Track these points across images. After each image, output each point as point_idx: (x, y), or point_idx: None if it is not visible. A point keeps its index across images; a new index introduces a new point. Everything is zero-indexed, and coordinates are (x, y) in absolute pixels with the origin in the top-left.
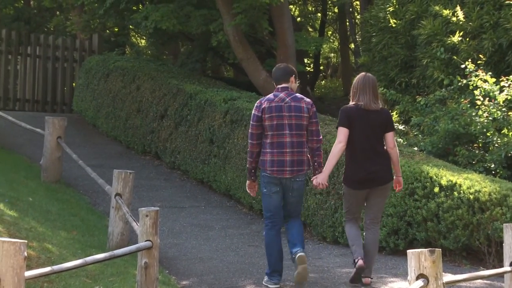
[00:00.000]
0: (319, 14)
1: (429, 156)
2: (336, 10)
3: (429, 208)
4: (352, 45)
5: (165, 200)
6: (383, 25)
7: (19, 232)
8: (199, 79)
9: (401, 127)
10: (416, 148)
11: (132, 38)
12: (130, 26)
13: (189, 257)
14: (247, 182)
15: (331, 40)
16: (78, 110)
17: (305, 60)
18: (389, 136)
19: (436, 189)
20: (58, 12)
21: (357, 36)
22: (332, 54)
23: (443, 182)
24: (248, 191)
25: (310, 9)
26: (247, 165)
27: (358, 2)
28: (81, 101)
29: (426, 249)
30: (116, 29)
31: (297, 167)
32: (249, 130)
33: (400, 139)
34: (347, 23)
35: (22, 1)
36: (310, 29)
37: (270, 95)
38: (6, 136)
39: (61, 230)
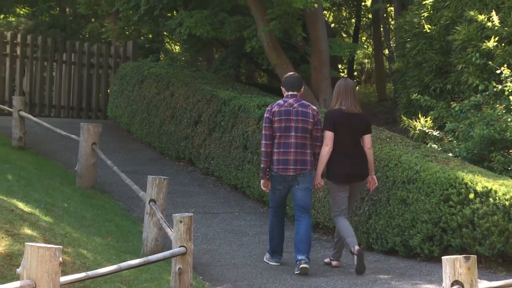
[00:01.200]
0: (353, 20)
1: (464, 162)
2: (370, 16)
3: (464, 214)
4: (386, 51)
5: (199, 206)
6: (417, 30)
7: (54, 237)
8: (233, 85)
9: (435, 133)
10: (451, 154)
11: (166, 44)
12: (165, 33)
13: (223, 263)
14: (262, 181)
15: (365, 46)
16: (113, 116)
17: (339, 66)
18: (367, 138)
19: (471, 195)
20: (93, 19)
21: (391, 42)
22: (366, 60)
23: (478, 188)
24: (263, 188)
25: (344, 15)
26: (262, 165)
27: (392, 8)
28: (115, 108)
29: (461, 256)
30: (150, 36)
31: (300, 165)
32: (263, 132)
33: (435, 145)
34: (381, 29)
35: (57, 9)
36: (344, 35)
37: (280, 101)
38: (42, 143)
39: (96, 236)
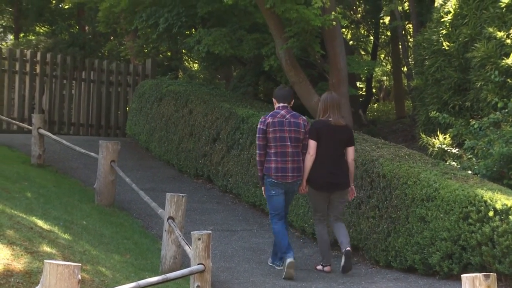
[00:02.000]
0: (371, 37)
1: (484, 180)
2: (388, 33)
3: (484, 232)
4: (405, 68)
5: (218, 224)
6: (436, 48)
7: (73, 255)
8: (251, 102)
9: (454, 150)
10: (470, 172)
11: (185, 62)
12: (183, 50)
13: (242, 280)
14: (263, 188)
15: (384, 63)
16: (132, 134)
17: (358, 83)
18: (350, 150)
19: (491, 213)
20: (112, 37)
21: (409, 59)
22: (385, 77)
23: (498, 206)
24: (264, 194)
25: (362, 32)
26: (259, 173)
27: (410, 25)
28: (134, 125)
29: (481, 274)
30: (169, 54)
31: (297, 173)
32: (257, 142)
33: (454, 163)
34: (400, 46)
35: (77, 27)
36: (362, 52)
37: (273, 112)
38: (61, 160)
39: (115, 253)
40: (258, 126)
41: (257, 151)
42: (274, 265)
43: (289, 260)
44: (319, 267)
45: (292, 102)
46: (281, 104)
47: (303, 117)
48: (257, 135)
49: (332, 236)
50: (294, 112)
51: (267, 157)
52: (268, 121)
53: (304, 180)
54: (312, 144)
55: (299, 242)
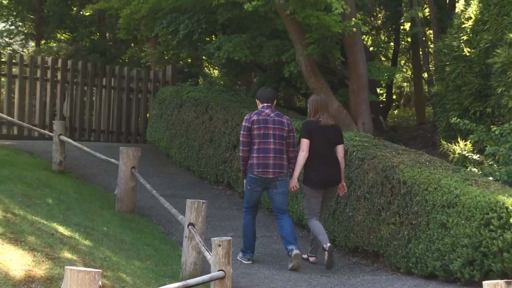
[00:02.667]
0: (392, 44)
1: (505, 186)
2: (409, 39)
3: (505, 239)
4: (426, 74)
5: (238, 230)
6: (457, 54)
7: (94, 261)
8: None
9: (475, 156)
10: (491, 178)
11: (205, 68)
12: (203, 57)
13: (262, 287)
14: (245, 180)
15: (404, 70)
16: (152, 140)
17: (378, 90)
18: (340, 147)
19: None
20: (133, 44)
21: (430, 65)
22: (405, 84)
23: None
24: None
25: (383, 38)
26: (242, 168)
27: (431, 31)
28: (154, 132)
29: (502, 281)
30: (189, 60)
31: (278, 169)
32: (240, 139)
33: (475, 169)
34: (420, 52)
35: (98, 34)
36: (383, 59)
37: (257, 111)
38: (82, 167)
39: (135, 259)
40: (243, 124)
41: (241, 147)
42: (242, 259)
43: (295, 252)
44: (305, 256)
45: (275, 102)
46: (265, 104)
47: (287, 116)
48: (241, 132)
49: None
50: (277, 112)
51: (251, 153)
52: (253, 118)
53: (296, 177)
54: (305, 142)
55: (319, 249)
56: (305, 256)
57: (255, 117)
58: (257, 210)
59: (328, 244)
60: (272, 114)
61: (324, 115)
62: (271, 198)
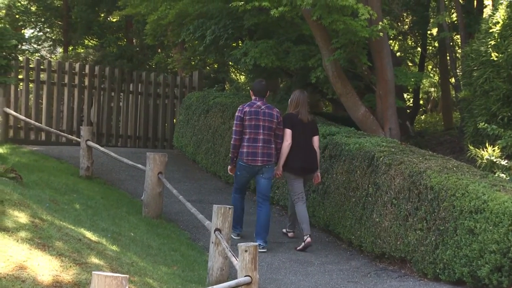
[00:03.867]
0: (419, 49)
1: None
2: (436, 44)
3: None
4: (453, 79)
5: None
6: (484, 59)
7: (121, 266)
8: None
9: (503, 162)
10: None
11: (232, 74)
12: (230, 63)
13: None
14: (229, 167)
15: (431, 75)
16: (179, 146)
17: (405, 95)
18: (316, 138)
19: None
20: (159, 50)
21: (457, 70)
22: (432, 89)
23: None
24: (230, 172)
25: (409, 43)
26: (231, 155)
27: (458, 36)
28: (181, 137)
29: None
30: (216, 66)
31: (266, 158)
32: (233, 128)
33: (503, 175)
34: (448, 57)
35: (125, 40)
36: (410, 64)
37: (250, 102)
38: (109, 172)
39: (162, 265)
40: (236, 114)
41: (233, 136)
42: (232, 234)
43: (260, 250)
44: (284, 230)
45: (268, 94)
46: (257, 97)
47: (277, 109)
48: (234, 121)
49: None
50: (268, 104)
51: (242, 142)
52: (245, 109)
53: (281, 164)
54: (288, 132)
55: (346, 255)
56: (284, 230)
57: (247, 109)
58: (245, 192)
59: (308, 239)
60: (263, 107)
61: (303, 110)
62: (257, 183)
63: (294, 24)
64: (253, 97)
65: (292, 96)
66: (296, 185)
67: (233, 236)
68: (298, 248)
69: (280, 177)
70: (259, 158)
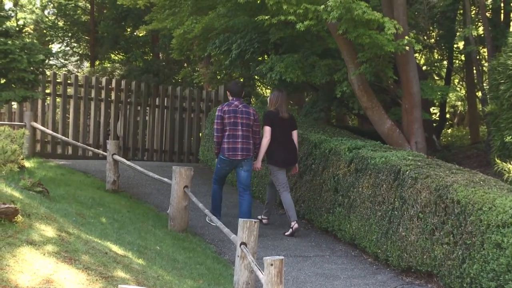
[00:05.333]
0: (445, 62)
1: None
2: (462, 58)
3: None
4: (479, 93)
5: (290, 249)
6: (511, 72)
7: (147, 280)
8: (323, 128)
9: None
10: None
11: (257, 88)
12: (256, 77)
13: None
14: (216, 160)
15: (458, 88)
16: (204, 160)
17: (431, 109)
18: (295, 133)
19: None
20: (185, 64)
21: (484, 84)
22: (459, 103)
23: None
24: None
25: (436, 57)
26: (215, 151)
27: (485, 50)
28: (207, 151)
29: None
30: (241, 80)
31: (246, 152)
32: (214, 126)
33: None
34: (474, 71)
35: (151, 54)
36: (436, 77)
37: (228, 102)
38: (135, 186)
39: (188, 278)
40: (216, 113)
41: (215, 134)
42: (210, 222)
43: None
44: (259, 217)
45: (243, 94)
46: (235, 97)
47: (253, 107)
48: (215, 120)
49: (278, 197)
50: (245, 103)
51: (223, 138)
52: (224, 109)
53: (260, 159)
54: (268, 129)
55: (372, 269)
56: (259, 217)
57: (226, 108)
58: (223, 183)
59: (296, 225)
60: (240, 106)
61: (282, 108)
62: (238, 175)
63: (320, 37)
64: (230, 98)
65: (271, 95)
66: (280, 176)
67: (211, 224)
68: (286, 233)
69: (259, 169)
70: (239, 153)
